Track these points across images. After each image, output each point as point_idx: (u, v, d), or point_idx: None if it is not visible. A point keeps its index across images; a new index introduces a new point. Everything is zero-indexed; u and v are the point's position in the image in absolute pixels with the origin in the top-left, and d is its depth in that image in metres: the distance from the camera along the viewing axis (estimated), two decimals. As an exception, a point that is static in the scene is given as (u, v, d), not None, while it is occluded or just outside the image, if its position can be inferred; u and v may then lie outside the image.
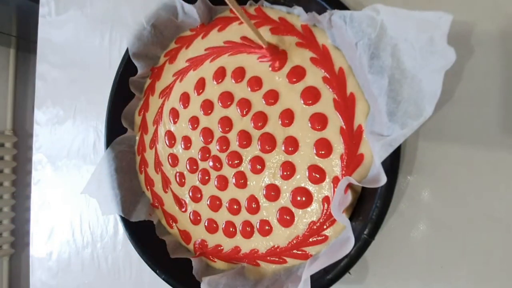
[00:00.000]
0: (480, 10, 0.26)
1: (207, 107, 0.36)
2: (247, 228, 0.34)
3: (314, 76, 0.30)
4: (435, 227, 0.27)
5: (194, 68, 0.38)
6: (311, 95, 0.30)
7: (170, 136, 0.39)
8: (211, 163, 0.36)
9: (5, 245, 1.41)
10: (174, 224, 0.40)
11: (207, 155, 0.36)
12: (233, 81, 0.35)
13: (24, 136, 1.41)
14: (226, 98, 0.35)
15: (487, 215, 0.26)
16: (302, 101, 0.31)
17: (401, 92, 0.23)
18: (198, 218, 0.38)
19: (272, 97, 0.32)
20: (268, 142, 0.32)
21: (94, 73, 0.50)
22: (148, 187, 0.42)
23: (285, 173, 0.31)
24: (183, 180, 0.38)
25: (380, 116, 0.25)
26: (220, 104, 0.35)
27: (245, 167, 0.34)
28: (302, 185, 0.30)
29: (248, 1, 0.35)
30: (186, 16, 0.37)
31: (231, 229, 0.35)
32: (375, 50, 0.24)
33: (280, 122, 0.32)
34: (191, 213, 0.38)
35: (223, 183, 0.35)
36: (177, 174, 0.39)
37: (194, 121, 0.37)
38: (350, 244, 0.25)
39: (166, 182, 0.40)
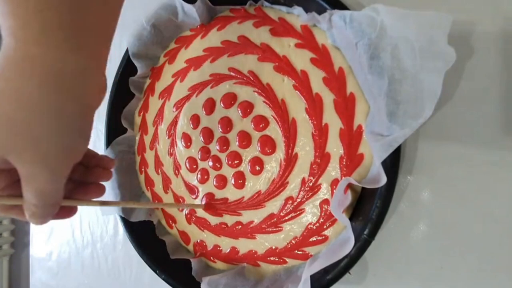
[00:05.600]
0: (480, 10, 0.26)
1: (209, 107, 0.36)
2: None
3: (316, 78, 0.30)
4: (435, 227, 0.27)
5: (195, 68, 0.38)
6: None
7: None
8: (210, 163, 0.36)
9: (5, 245, 1.41)
10: (173, 224, 0.40)
11: (207, 155, 0.36)
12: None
13: (24, 136, 1.40)
14: (229, 99, 0.35)
15: (486, 215, 0.26)
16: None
17: (401, 92, 0.23)
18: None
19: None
20: (268, 144, 0.32)
21: (94, 73, 0.49)
22: (148, 188, 0.42)
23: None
24: (183, 180, 0.38)
25: (380, 116, 0.25)
26: (222, 105, 0.35)
27: (245, 167, 0.34)
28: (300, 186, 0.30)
29: (248, 1, 0.35)
30: (186, 16, 0.37)
31: (231, 229, 0.35)
32: (375, 50, 0.24)
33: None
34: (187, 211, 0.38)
35: (222, 182, 0.35)
36: (177, 174, 0.39)
37: (195, 120, 0.37)
38: (350, 244, 0.25)
39: (166, 183, 0.40)
